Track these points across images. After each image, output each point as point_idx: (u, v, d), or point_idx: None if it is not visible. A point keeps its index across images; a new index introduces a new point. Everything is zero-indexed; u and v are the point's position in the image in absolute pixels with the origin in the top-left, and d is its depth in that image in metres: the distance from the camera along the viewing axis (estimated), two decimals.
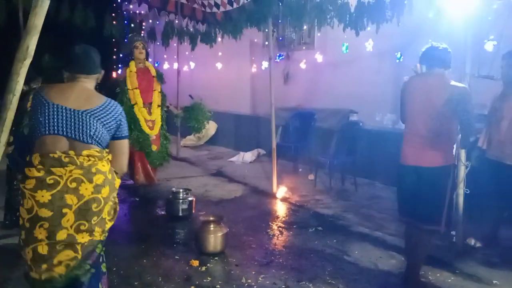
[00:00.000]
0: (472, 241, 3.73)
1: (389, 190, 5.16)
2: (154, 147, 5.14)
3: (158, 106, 5.12)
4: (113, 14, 8.69)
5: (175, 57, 8.64)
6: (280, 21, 6.43)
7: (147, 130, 5.01)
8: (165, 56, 10.58)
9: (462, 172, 3.53)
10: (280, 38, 7.84)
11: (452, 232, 3.75)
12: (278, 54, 7.74)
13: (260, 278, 3.24)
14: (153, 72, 5.13)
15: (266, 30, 6.02)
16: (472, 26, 3.55)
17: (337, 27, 5.13)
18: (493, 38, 4.42)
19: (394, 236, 4.02)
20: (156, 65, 10.41)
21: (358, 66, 6.42)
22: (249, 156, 7.49)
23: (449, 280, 3.20)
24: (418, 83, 3.03)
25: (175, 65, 8.65)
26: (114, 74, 13.93)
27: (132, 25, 9.83)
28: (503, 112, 3.58)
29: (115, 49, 11.81)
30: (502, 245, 3.71)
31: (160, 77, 5.19)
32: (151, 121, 5.05)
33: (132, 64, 5.01)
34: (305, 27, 6.50)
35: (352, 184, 5.59)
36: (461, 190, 3.56)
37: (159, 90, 5.16)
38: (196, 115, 5.35)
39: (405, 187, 3.03)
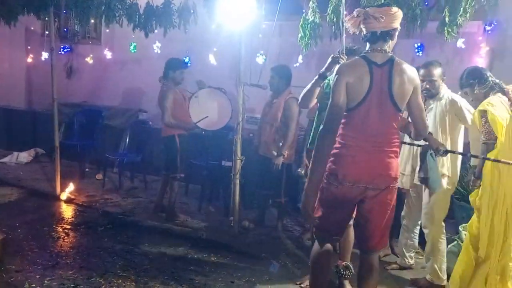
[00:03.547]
0: (246, 224, 4.36)
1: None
2: None
3: None
4: None
5: None
6: (64, 11, 6.02)
7: None
8: None
9: (238, 165, 4.11)
10: (65, 30, 7.31)
11: (230, 218, 4.32)
12: (62, 46, 7.20)
13: (46, 281, 3.09)
14: None
15: (46, 19, 5.57)
16: (246, 40, 4.16)
17: (126, 26, 5.16)
18: (262, 53, 5.23)
19: (181, 226, 4.37)
20: None
21: (147, 67, 6.56)
22: (24, 156, 6.72)
23: (228, 259, 3.69)
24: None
25: None
26: None
27: None
28: (268, 117, 4.33)
29: None
30: (268, 225, 4.47)
31: None
32: None
33: None
34: (92, 21, 6.27)
35: (142, 181, 5.69)
36: (237, 181, 4.13)
37: None
38: None
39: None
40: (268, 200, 4.51)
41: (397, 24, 2.33)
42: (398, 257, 3.67)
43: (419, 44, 4.41)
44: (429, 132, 2.99)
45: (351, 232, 2.89)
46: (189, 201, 5.18)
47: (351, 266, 2.73)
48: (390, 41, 2.34)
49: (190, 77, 4.88)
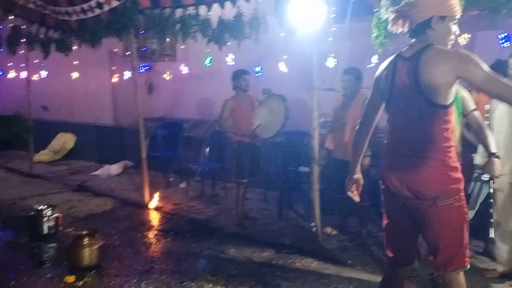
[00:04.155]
0: (329, 230, 4.33)
1: (254, 192, 5.59)
2: None
3: None
4: None
5: (22, 65, 7.91)
6: (143, 32, 6.44)
7: None
8: (10, 64, 9.49)
9: (316, 171, 4.11)
10: (144, 49, 7.81)
11: (311, 224, 4.31)
12: (142, 65, 7.70)
13: (142, 285, 3.30)
14: None
15: (127, 40, 6.00)
16: (317, 45, 4.17)
17: (200, 41, 5.39)
18: (333, 56, 5.19)
19: (263, 232, 4.45)
20: None
21: (220, 79, 6.78)
22: (115, 168, 7.27)
23: (313, 265, 3.69)
24: None
25: (24, 74, 7.93)
26: None
27: None
28: (345, 120, 4.29)
29: None
30: (351, 230, 4.40)
31: None
32: None
33: None
34: (168, 39, 6.63)
35: (222, 189, 5.88)
36: (316, 186, 4.13)
37: None
38: (10, 127, 4.98)
39: None
40: (349, 205, 4.45)
41: (433, 12, 1.99)
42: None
43: (505, 35, 4.13)
44: (494, 154, 2.76)
45: None
46: (269, 207, 5.28)
47: None
48: (431, 31, 2.01)
49: (261, 86, 4.99)
